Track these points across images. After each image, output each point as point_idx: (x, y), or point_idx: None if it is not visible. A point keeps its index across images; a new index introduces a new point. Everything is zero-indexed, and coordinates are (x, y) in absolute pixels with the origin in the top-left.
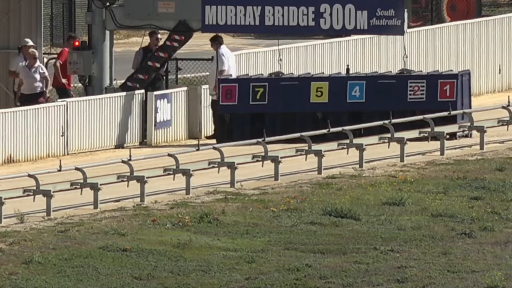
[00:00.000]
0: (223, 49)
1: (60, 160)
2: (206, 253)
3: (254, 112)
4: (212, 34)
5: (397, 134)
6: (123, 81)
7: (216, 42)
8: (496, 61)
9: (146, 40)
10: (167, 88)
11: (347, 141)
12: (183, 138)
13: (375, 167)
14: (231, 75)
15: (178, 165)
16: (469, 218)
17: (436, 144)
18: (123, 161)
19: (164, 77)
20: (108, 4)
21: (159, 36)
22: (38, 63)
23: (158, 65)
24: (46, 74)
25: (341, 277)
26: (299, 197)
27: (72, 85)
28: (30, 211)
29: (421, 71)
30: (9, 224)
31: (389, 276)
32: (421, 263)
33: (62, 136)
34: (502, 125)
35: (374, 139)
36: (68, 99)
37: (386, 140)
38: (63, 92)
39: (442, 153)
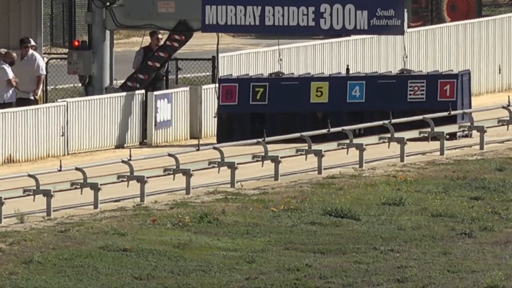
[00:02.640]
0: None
1: (60, 160)
2: (206, 253)
3: (254, 112)
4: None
5: (397, 134)
6: (123, 81)
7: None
8: (496, 61)
9: (147, 40)
10: (167, 88)
11: (347, 141)
12: (183, 138)
13: (375, 167)
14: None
15: (178, 165)
16: (469, 218)
17: (436, 144)
18: (123, 161)
19: (164, 77)
20: (108, 4)
21: (159, 36)
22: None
23: (158, 65)
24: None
25: (341, 277)
26: (299, 197)
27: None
28: (30, 211)
29: (421, 71)
30: (9, 224)
31: (389, 276)
32: (421, 263)
33: (62, 136)
34: (502, 125)
35: (374, 139)
36: (68, 99)
37: (386, 140)
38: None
39: (442, 153)
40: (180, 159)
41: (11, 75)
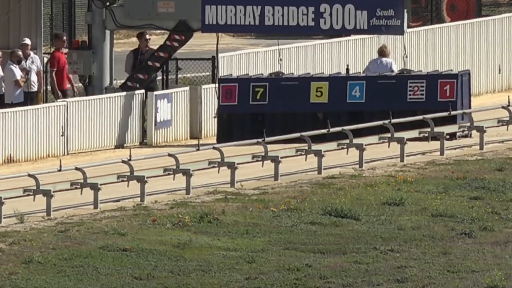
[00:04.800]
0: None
1: (60, 160)
2: (206, 253)
3: (254, 112)
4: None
5: (397, 134)
6: (123, 81)
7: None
8: (496, 61)
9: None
10: (167, 88)
11: (347, 141)
12: (183, 138)
13: (375, 167)
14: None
15: (178, 165)
16: (469, 218)
17: (436, 144)
18: (123, 161)
19: (158, 77)
20: (108, 4)
21: (147, 36)
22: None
23: (158, 65)
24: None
25: (341, 277)
26: (299, 197)
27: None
28: (30, 211)
29: (421, 71)
30: (9, 224)
31: (389, 276)
32: (421, 263)
33: (62, 136)
34: (502, 125)
35: (374, 139)
36: (68, 99)
37: (386, 140)
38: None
39: (442, 153)
40: (180, 159)
41: (18, 75)
